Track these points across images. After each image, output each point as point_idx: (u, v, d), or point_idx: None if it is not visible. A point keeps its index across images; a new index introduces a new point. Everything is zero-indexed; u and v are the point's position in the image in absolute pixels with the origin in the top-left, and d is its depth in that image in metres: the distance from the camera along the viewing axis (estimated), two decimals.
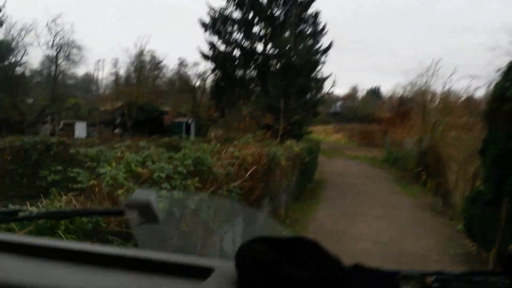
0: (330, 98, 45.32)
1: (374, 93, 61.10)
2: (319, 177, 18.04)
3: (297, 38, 24.16)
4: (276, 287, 0.81)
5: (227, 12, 28.79)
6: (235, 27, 29.09)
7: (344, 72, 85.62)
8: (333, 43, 27.74)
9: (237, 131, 17.95)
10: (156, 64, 36.73)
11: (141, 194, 1.35)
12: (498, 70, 8.15)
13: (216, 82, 30.64)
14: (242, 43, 29.26)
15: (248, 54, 29.08)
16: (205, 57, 29.66)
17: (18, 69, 31.01)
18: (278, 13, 28.38)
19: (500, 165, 6.53)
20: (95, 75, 44.98)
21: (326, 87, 27.53)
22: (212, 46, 29.14)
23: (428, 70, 25.45)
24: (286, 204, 11.17)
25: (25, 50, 30.57)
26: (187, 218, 3.95)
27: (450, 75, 25.28)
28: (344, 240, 8.30)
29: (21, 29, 29.89)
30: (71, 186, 4.03)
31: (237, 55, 29.42)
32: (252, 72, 29.54)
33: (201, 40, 30.74)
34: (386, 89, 79.56)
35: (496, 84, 7.49)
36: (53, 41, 31.39)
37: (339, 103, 58.44)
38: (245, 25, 28.80)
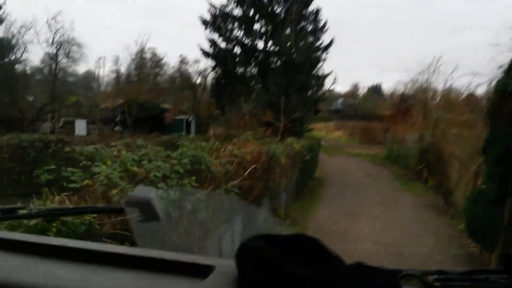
0: (331, 96, 45.24)
1: (375, 90, 60.95)
2: (320, 174, 17.96)
3: (297, 35, 24.08)
4: (276, 285, 0.80)
5: (228, 9, 28.72)
6: (236, 24, 29.02)
7: (345, 69, 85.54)
8: (334, 40, 27.65)
9: (237, 128, 17.86)
10: (157, 62, 36.63)
11: (142, 191, 1.39)
12: (500, 67, 8.08)
13: (216, 80, 30.58)
14: (243, 40, 29.20)
15: (249, 51, 29.00)
16: (206, 54, 29.59)
17: (18, 67, 30.93)
18: (278, 10, 28.31)
19: (503, 164, 6.44)
20: (96, 72, 44.84)
21: (327, 84, 27.44)
22: (213, 43, 29.07)
23: (429, 67, 25.42)
24: (286, 203, 11.09)
25: (25, 47, 30.47)
26: (184, 218, 3.86)
27: (451, 72, 25.17)
28: (344, 241, 8.22)
29: (21, 27, 29.79)
30: (66, 186, 3.94)
31: (238, 52, 29.36)
32: (252, 70, 29.49)
33: (202, 38, 30.65)
34: (387, 87, 79.39)
35: (498, 81, 7.41)
36: (53, 38, 31.28)
37: (340, 101, 58.26)
38: (246, 22, 28.71)
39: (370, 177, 18.40)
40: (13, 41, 29.78)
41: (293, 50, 21.98)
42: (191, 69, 34.89)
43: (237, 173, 6.41)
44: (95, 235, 3.18)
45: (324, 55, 26.84)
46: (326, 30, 28.00)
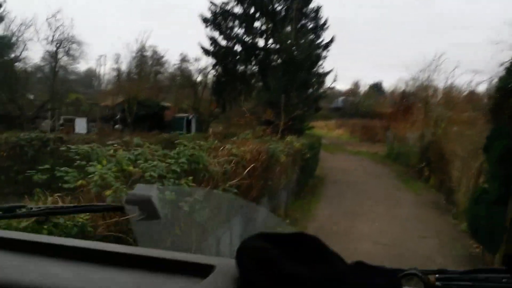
0: (332, 93, 45.16)
1: (376, 88, 60.80)
2: (320, 173, 17.90)
3: (298, 33, 23.99)
4: (277, 284, 0.79)
5: (228, 7, 28.64)
6: (236, 22, 28.94)
7: (346, 67, 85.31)
8: (335, 38, 27.54)
9: (237, 127, 17.79)
10: (157, 60, 36.59)
11: (142, 189, 1.40)
12: (502, 64, 8.01)
13: (217, 78, 30.54)
14: (243, 38, 29.13)
15: (249, 49, 28.94)
16: (206, 52, 29.52)
17: (18, 65, 30.85)
18: (279, 8, 28.22)
19: (506, 163, 6.35)
20: (97, 70, 44.81)
21: (328, 82, 27.34)
22: (213, 41, 28.99)
23: (430, 64, 25.31)
24: (286, 202, 11.01)
25: (25, 45, 30.37)
26: (180, 219, 3.77)
27: (453, 70, 25.04)
28: (345, 241, 8.14)
29: (21, 24, 29.70)
30: (61, 186, 3.86)
31: (238, 50, 29.30)
32: (253, 68, 29.43)
33: (202, 35, 30.54)
34: (388, 84, 79.11)
35: (500, 79, 7.34)
36: (53, 36, 31.19)
37: (341, 98, 58.14)
38: (246, 20, 28.64)
39: (370, 176, 18.34)
40: (13, 39, 29.70)
41: (293, 48, 21.90)
42: (192, 67, 34.81)
43: (236, 173, 6.32)
44: (88, 238, 3.10)
45: (324, 53, 26.74)
46: (326, 28, 27.91)
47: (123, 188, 3.49)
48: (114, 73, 36.51)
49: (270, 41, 28.12)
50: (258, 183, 7.56)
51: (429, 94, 25.71)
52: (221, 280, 0.89)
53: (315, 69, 24.08)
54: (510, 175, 6.24)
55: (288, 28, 25.11)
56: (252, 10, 28.61)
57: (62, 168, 3.89)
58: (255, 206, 6.14)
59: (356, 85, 61.87)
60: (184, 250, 3.96)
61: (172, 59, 49.25)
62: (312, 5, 27.91)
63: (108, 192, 3.42)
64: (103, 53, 43.95)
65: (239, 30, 29.07)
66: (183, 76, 35.28)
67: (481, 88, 21.00)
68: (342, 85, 75.51)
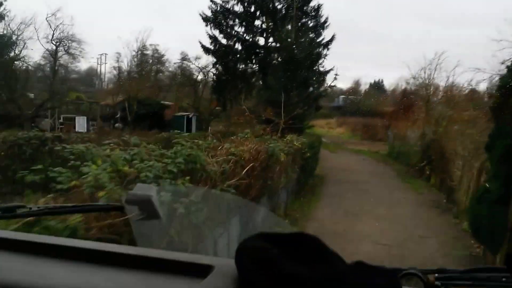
0: (333, 92, 45.06)
1: (377, 86, 60.81)
2: (321, 172, 17.81)
3: (298, 31, 23.95)
4: (276, 285, 0.79)
5: (229, 5, 28.60)
6: (237, 20, 28.92)
7: (347, 66, 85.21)
8: (335, 36, 27.47)
9: (237, 125, 17.71)
10: (158, 58, 36.55)
11: (142, 189, 1.38)
12: (503, 63, 7.94)
13: (217, 76, 30.50)
14: (244, 36, 29.11)
15: (250, 47, 28.93)
16: (207, 50, 29.49)
17: (17, 64, 30.79)
18: (279, 6, 28.19)
19: (508, 162, 6.28)
20: (98, 69, 44.78)
21: (329, 80, 27.27)
22: (214, 39, 28.96)
23: (431, 63, 25.25)
24: (286, 202, 10.93)
25: (25, 44, 30.31)
26: (175, 221, 3.70)
27: (454, 68, 24.94)
28: (345, 241, 8.06)
29: (21, 23, 29.63)
30: (55, 187, 3.79)
31: (239, 48, 29.27)
32: (253, 66, 29.40)
33: (203, 34, 30.54)
34: (389, 83, 79.00)
35: (502, 77, 7.27)
36: (53, 35, 31.13)
37: (342, 97, 58.07)
38: (247, 18, 28.63)
39: (371, 175, 18.26)
40: (13, 38, 29.63)
41: (294, 46, 21.82)
42: (192, 66, 34.77)
43: (234, 172, 6.24)
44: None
45: (325, 51, 26.74)
46: (327, 26, 27.90)
47: (117, 189, 3.41)
48: (115, 72, 36.49)
49: (271, 39, 28.17)
50: (257, 182, 7.47)
51: (430, 93, 25.66)
52: (221, 280, 0.89)
53: (315, 68, 24.02)
54: None
55: (289, 27, 25.06)
56: (252, 9, 28.62)
57: (56, 168, 3.81)
58: (254, 205, 6.05)
59: (357, 83, 61.80)
60: (180, 251, 3.90)
61: (172, 58, 49.23)
62: (312, 3, 27.91)
63: (101, 194, 3.34)
64: (104, 52, 43.76)
65: (239, 29, 29.11)
66: (183, 74, 35.24)
67: (482, 87, 20.90)
68: (343, 84, 75.52)
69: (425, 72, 25.89)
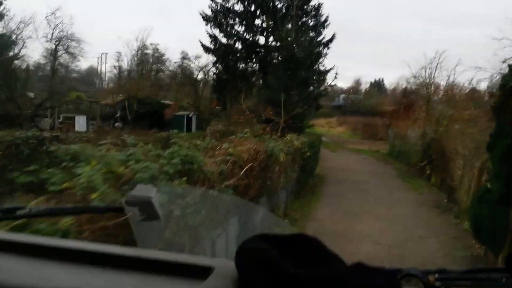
0: (333, 91, 45.11)
1: (378, 86, 60.89)
2: (321, 171, 17.75)
3: (299, 31, 23.89)
4: (277, 285, 0.79)
5: (229, 4, 28.55)
6: (237, 19, 28.88)
7: (347, 65, 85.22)
8: (336, 35, 27.41)
9: (237, 125, 17.64)
10: (158, 58, 36.54)
11: (142, 190, 1.37)
12: (504, 61, 7.87)
13: (217, 75, 30.48)
14: (244, 36, 29.08)
15: (250, 47, 28.92)
16: (207, 49, 29.46)
17: (17, 63, 30.76)
18: (280, 5, 28.15)
19: (509, 162, 6.21)
20: (98, 68, 44.77)
21: (329, 79, 27.25)
22: (214, 39, 28.92)
23: (432, 62, 25.19)
24: (286, 202, 10.85)
25: (24, 43, 30.29)
26: (171, 223, 3.63)
27: (454, 67, 24.89)
28: (345, 241, 7.99)
29: (20, 22, 29.59)
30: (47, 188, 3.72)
31: (239, 48, 29.22)
32: (253, 65, 29.37)
33: (203, 33, 30.49)
34: (389, 82, 79.00)
35: (504, 76, 7.20)
36: (52, 34, 31.09)
37: (342, 96, 58.09)
38: (247, 17, 28.59)
39: (371, 174, 18.21)
40: (12, 37, 29.57)
41: (294, 45, 21.75)
42: (193, 65, 34.76)
43: (232, 173, 6.17)
44: None
45: (325, 50, 26.71)
46: (327, 25, 27.87)
47: (109, 191, 3.34)
48: (115, 71, 36.48)
49: (271, 38, 28.15)
50: (256, 183, 7.40)
51: (430, 92, 25.60)
52: (221, 281, 0.89)
53: (315, 67, 23.97)
54: None
55: (289, 26, 24.99)
56: (252, 8, 28.59)
57: (49, 170, 3.74)
58: (253, 205, 5.99)
59: (358, 82, 61.93)
60: (179, 252, 3.82)
61: (173, 57, 49.25)
62: (312, 2, 27.85)
63: (93, 196, 3.27)
64: (105, 51, 43.76)
65: (239, 28, 29.08)
66: (183, 74, 35.25)
67: (483, 86, 20.85)
68: (344, 83, 75.53)
69: (425, 71, 25.86)
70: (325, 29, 27.72)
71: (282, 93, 18.58)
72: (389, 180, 16.95)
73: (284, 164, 9.84)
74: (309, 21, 27.82)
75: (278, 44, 24.88)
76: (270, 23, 28.02)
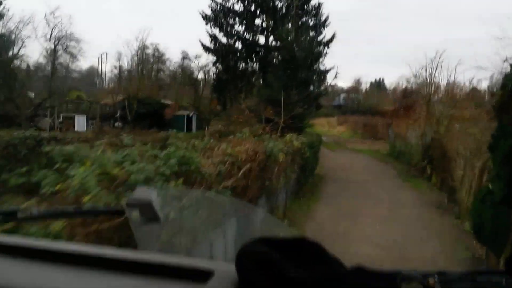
0: (334, 91, 45.06)
1: (378, 85, 60.81)
2: (321, 171, 17.69)
3: (299, 30, 23.82)
4: (277, 286, 0.79)
5: (229, 4, 28.50)
6: (237, 19, 28.83)
7: (348, 64, 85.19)
8: (336, 35, 27.32)
9: (237, 124, 17.58)
10: (159, 57, 36.51)
11: (142, 192, 1.41)
12: (505, 60, 7.79)
13: (218, 75, 30.43)
14: (244, 35, 29.02)
15: (250, 46, 28.87)
16: (207, 49, 29.42)
17: (16, 63, 30.67)
18: (280, 5, 28.07)
19: (511, 163, 6.13)
20: (99, 68, 44.73)
21: (329, 79, 27.19)
22: (214, 38, 28.87)
23: (433, 61, 25.11)
24: (285, 203, 10.77)
25: (23, 43, 30.21)
26: (168, 225, 3.54)
27: (455, 67, 24.79)
28: (344, 243, 7.91)
29: (19, 22, 29.51)
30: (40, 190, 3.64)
31: (239, 47, 29.17)
32: (254, 65, 29.32)
33: (203, 33, 30.44)
34: (390, 81, 78.95)
35: (506, 76, 7.13)
36: (51, 33, 31.02)
37: (342, 96, 58.03)
38: (247, 17, 28.53)
39: (372, 174, 18.15)
40: (11, 37, 29.51)
41: (294, 45, 21.70)
42: (193, 65, 34.73)
43: (230, 174, 6.09)
44: None
45: (325, 50, 26.62)
46: (328, 25, 27.78)
47: (103, 193, 3.26)
48: (116, 71, 36.44)
49: (271, 38, 28.08)
50: (255, 183, 7.32)
51: (431, 91, 25.51)
52: (221, 285, 0.89)
53: (316, 67, 23.91)
54: None
55: (289, 25, 24.95)
56: (252, 7, 28.53)
57: (41, 171, 3.66)
58: (252, 207, 5.91)
59: (358, 82, 61.79)
60: (176, 255, 3.74)
61: (173, 57, 49.27)
62: (313, 2, 27.77)
63: (86, 198, 3.20)
64: (105, 51, 43.75)
65: (239, 28, 29.03)
66: (184, 73, 35.21)
67: (484, 85, 20.78)
68: (344, 83, 75.49)
69: (426, 71, 25.76)
70: (325, 29, 27.65)
71: (282, 93, 18.53)
72: (389, 180, 16.88)
73: (283, 164, 9.77)
74: (309, 20, 27.74)
75: (278, 43, 24.83)
76: (270, 22, 27.96)
